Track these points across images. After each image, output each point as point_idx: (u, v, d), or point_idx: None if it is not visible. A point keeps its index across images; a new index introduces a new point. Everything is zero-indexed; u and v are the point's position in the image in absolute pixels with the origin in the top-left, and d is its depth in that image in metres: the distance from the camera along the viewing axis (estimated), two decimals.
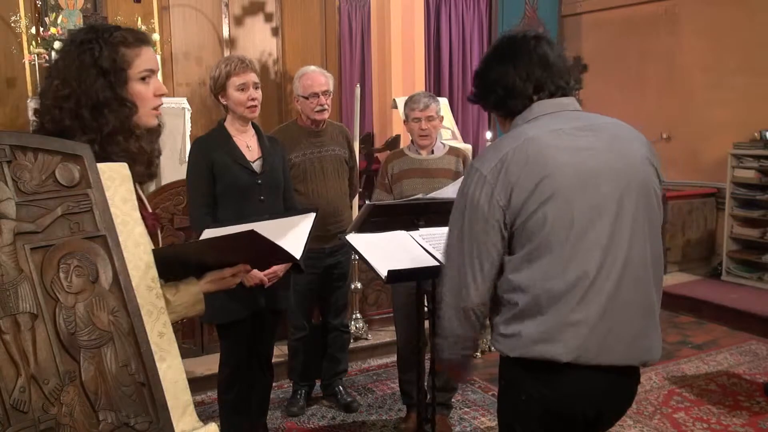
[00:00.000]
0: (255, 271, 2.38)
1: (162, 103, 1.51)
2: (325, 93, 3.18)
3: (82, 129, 1.36)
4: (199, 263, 1.49)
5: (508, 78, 1.60)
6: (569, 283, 1.48)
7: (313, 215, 2.15)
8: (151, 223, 1.54)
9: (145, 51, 1.46)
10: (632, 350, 1.55)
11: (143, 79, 1.45)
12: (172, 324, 1.46)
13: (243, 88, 2.61)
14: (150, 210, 1.56)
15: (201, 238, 2.02)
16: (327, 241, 3.20)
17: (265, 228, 1.73)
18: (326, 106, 3.20)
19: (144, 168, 1.47)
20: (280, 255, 1.64)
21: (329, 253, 3.29)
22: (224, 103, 2.65)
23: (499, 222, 1.51)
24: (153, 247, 1.47)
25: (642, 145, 1.60)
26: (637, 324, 1.55)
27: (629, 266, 1.52)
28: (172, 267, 1.45)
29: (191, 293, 1.45)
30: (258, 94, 2.65)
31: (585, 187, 1.49)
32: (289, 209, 2.73)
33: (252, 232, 1.40)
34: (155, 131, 1.55)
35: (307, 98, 3.18)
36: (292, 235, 2.16)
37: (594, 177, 1.50)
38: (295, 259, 1.79)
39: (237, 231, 1.44)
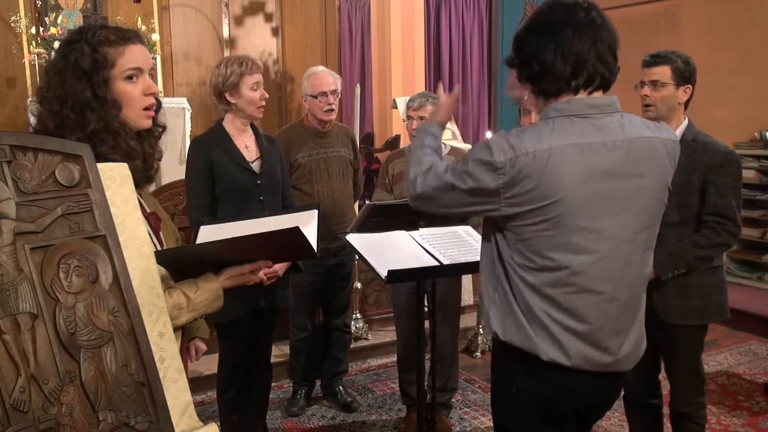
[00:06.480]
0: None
1: (154, 103, 1.48)
2: (333, 92, 3.20)
3: (69, 130, 1.37)
4: (216, 260, 1.47)
5: (546, 54, 1.45)
6: (563, 296, 1.49)
7: (315, 211, 2.13)
8: (154, 223, 1.53)
9: (131, 49, 1.44)
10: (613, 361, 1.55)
11: (130, 78, 1.43)
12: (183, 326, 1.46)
13: (256, 87, 2.64)
14: (148, 211, 1.55)
15: (198, 234, 2.01)
16: (331, 241, 3.20)
17: (270, 224, 1.71)
18: (334, 106, 3.22)
19: (139, 170, 1.44)
20: (305, 252, 1.62)
21: (333, 253, 3.29)
22: (233, 102, 2.64)
23: (491, 206, 1.48)
24: (154, 248, 1.47)
25: (669, 160, 1.54)
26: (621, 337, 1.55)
27: (622, 286, 1.52)
28: (187, 265, 1.44)
29: (211, 290, 1.44)
30: (265, 93, 2.70)
31: (590, 216, 1.46)
32: (287, 208, 2.74)
33: (296, 229, 1.40)
34: (152, 133, 1.53)
35: (315, 97, 3.19)
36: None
37: (604, 206, 1.47)
38: (317, 255, 1.77)
39: (281, 228, 1.44)
